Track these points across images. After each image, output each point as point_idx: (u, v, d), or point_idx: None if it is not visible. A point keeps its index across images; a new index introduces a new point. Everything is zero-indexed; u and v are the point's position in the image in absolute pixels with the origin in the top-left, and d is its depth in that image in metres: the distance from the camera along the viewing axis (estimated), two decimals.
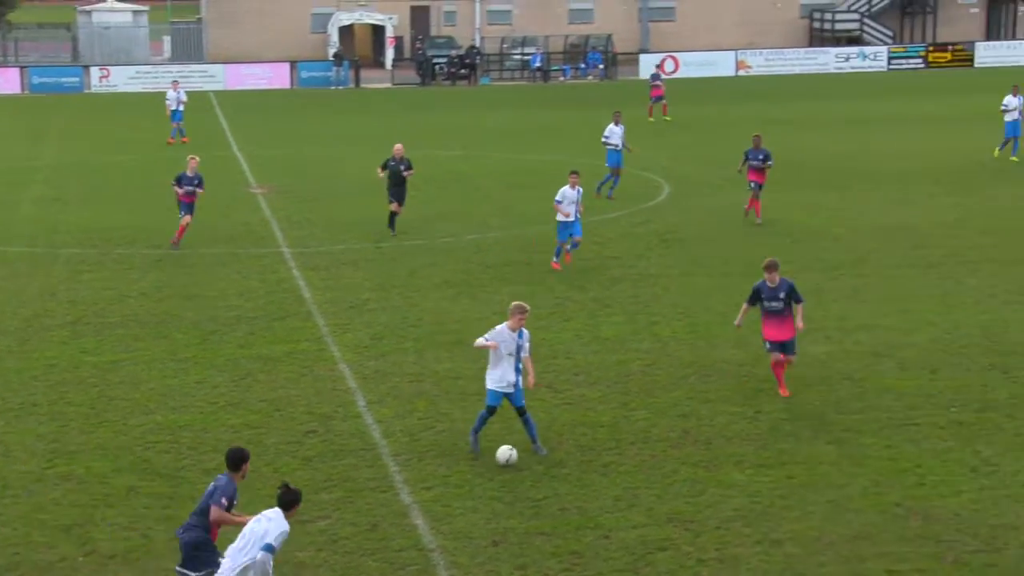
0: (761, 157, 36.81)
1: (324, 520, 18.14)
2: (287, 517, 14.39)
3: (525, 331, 20.05)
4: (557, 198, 31.93)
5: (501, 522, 18.00)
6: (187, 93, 59.29)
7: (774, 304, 22.43)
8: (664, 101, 62.95)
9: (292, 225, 38.44)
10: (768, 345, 22.71)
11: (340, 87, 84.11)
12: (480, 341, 20.06)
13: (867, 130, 58.13)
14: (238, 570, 14.18)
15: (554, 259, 32.18)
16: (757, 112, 65.60)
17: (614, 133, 41.99)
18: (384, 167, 36.03)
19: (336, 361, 25.36)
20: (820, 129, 58.47)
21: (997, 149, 48.79)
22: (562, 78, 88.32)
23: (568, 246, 32.24)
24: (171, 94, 57.46)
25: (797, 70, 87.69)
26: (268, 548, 14.12)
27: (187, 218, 34.77)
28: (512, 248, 34.79)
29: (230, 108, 70.74)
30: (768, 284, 22.46)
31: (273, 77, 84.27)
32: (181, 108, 57.31)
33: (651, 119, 61.98)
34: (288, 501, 14.47)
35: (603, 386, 23.61)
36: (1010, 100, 47.81)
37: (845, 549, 17.05)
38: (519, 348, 19.90)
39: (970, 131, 56.52)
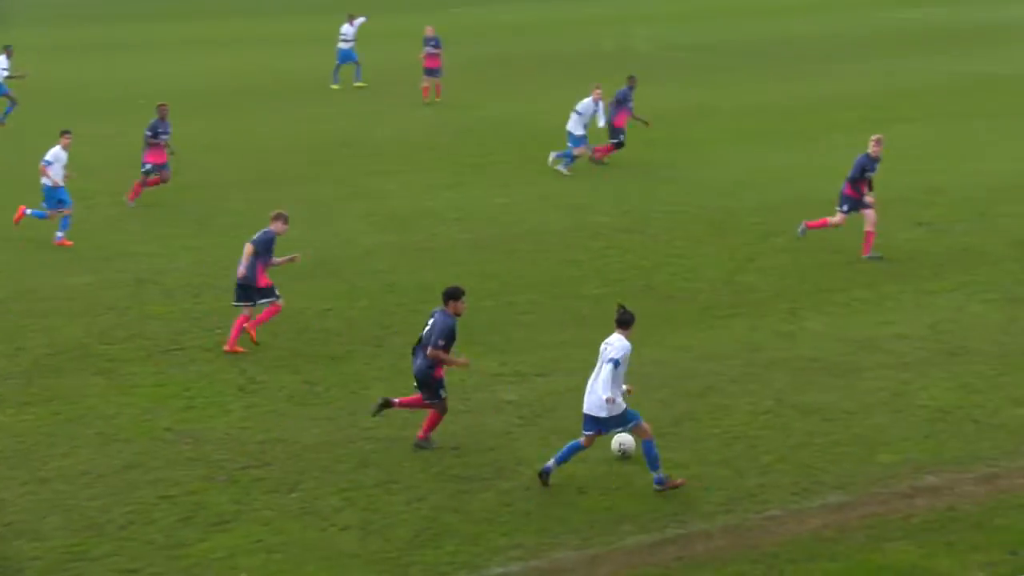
0: (170, 131, 30.72)
1: None
2: (626, 336, 16.00)
3: None
4: (48, 158, 27.03)
5: None
6: None
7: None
8: None
9: None
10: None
11: None
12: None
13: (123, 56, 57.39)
14: (599, 391, 15.89)
15: (61, 233, 27.22)
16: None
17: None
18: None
19: None
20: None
21: (357, 82, 48.06)
22: None
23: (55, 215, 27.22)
24: None
25: None
26: (613, 362, 15.76)
27: None
28: None
29: None
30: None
31: None
32: None
33: None
34: (627, 320, 16.02)
35: None
36: (347, 29, 48.42)
37: (116, 479, 16.82)
38: None
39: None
